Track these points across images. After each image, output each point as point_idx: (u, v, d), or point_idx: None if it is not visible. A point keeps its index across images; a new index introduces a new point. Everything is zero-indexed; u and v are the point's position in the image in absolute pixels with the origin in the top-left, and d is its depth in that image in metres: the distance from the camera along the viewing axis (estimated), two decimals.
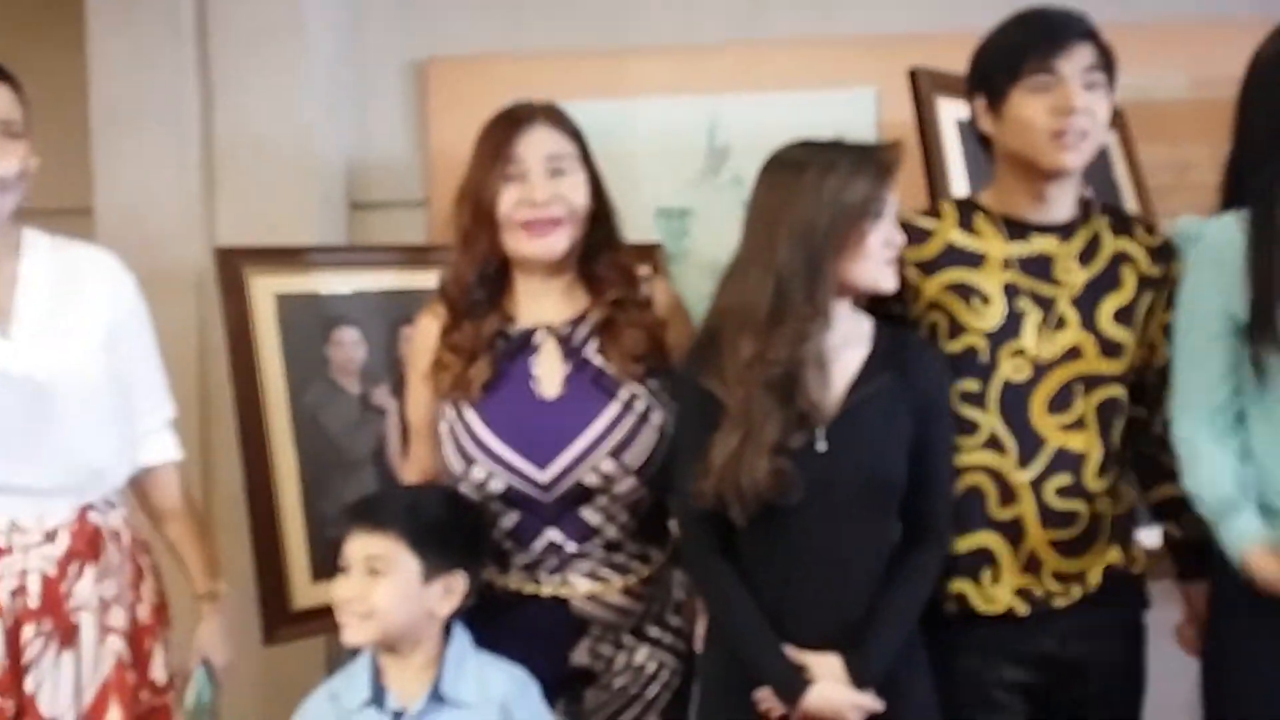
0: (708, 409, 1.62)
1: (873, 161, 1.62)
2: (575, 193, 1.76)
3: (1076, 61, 1.67)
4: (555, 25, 2.61)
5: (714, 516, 1.62)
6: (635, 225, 2.49)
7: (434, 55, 2.60)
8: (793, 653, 1.61)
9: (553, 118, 1.79)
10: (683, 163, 2.57)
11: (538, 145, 1.75)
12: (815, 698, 1.58)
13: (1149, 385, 1.77)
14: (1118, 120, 2.45)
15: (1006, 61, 1.69)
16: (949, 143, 2.21)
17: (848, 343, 1.65)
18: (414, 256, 2.34)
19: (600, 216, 1.81)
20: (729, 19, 2.61)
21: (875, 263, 1.63)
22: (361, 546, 1.64)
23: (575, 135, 1.80)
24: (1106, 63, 1.72)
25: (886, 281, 1.65)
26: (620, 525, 1.77)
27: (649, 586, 1.80)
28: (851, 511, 1.62)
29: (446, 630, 1.70)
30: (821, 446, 1.60)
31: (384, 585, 1.62)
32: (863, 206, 1.59)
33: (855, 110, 2.53)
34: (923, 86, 2.22)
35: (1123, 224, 1.80)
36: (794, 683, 1.59)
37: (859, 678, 1.60)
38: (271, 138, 2.44)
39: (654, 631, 1.81)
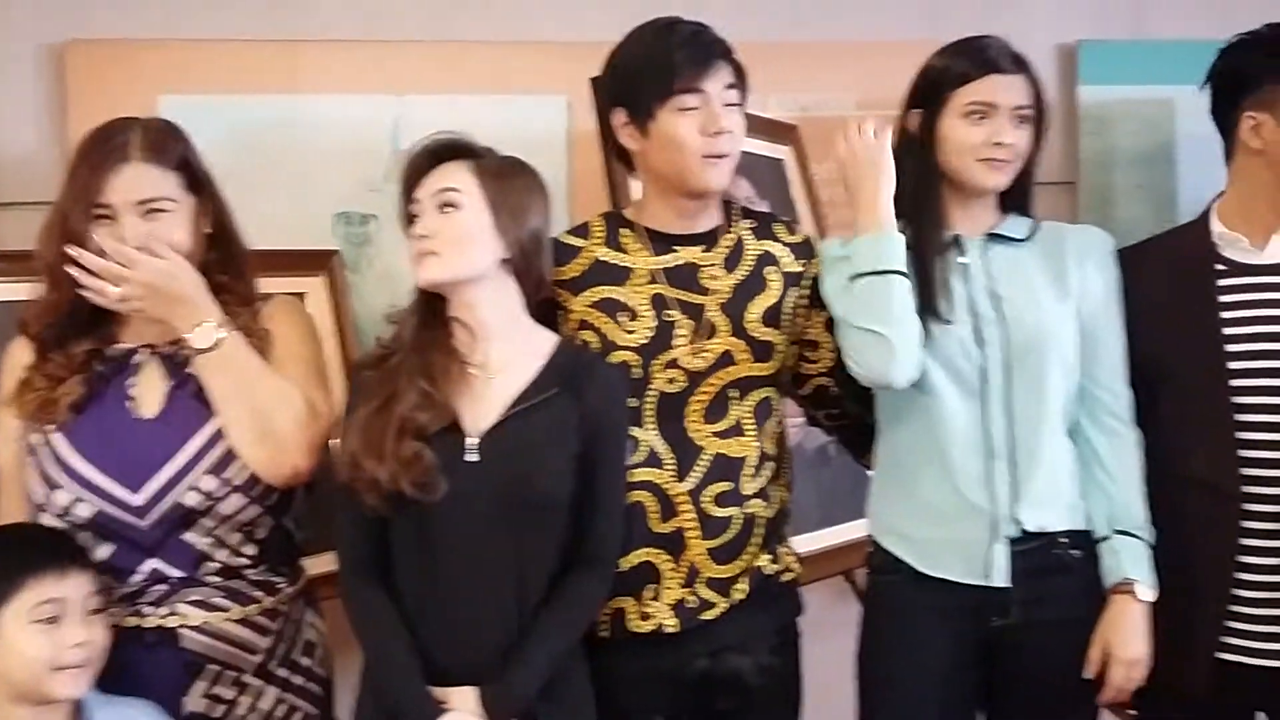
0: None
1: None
2: (173, 233, 1.65)
3: (720, 81, 1.69)
4: (219, 9, 2.43)
5: (370, 529, 1.57)
6: (310, 230, 2.38)
7: (74, 38, 2.36)
8: (430, 689, 1.54)
9: (153, 150, 1.64)
10: (364, 165, 2.45)
11: (129, 189, 1.62)
12: None
13: (837, 383, 1.80)
14: (793, 136, 2.54)
15: (652, 80, 1.68)
16: None
17: (514, 356, 1.62)
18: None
19: (217, 241, 1.71)
20: (417, 17, 2.52)
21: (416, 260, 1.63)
22: (75, 587, 1.57)
23: (181, 165, 1.67)
24: (741, 80, 1.73)
25: (417, 277, 1.63)
26: (233, 549, 1.66)
27: (274, 620, 1.68)
28: (500, 528, 1.57)
29: None
30: (472, 457, 1.56)
31: (99, 624, 1.58)
32: (402, 207, 1.64)
33: (546, 117, 2.51)
34: (603, 95, 2.19)
35: (764, 226, 1.83)
36: (424, 715, 1.52)
37: (494, 711, 1.54)
38: None
39: (282, 672, 1.69)
